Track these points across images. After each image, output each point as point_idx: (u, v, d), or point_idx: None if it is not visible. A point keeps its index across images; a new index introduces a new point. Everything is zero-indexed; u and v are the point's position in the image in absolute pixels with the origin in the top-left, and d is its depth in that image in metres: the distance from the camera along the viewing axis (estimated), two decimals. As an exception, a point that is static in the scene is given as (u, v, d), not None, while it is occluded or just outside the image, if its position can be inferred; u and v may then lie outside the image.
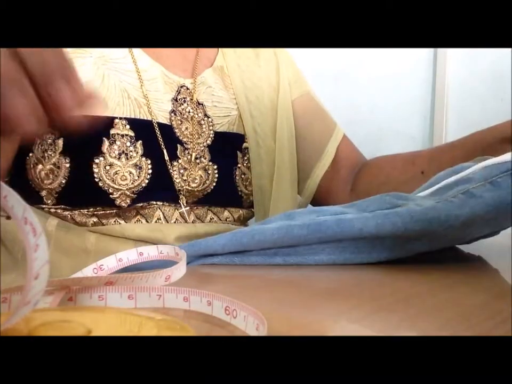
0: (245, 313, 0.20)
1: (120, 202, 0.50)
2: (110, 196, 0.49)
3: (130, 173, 0.50)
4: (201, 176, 0.55)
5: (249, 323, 0.19)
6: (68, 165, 0.49)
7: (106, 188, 0.49)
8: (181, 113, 0.56)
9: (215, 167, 0.56)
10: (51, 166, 0.50)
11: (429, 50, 1.63)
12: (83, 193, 0.51)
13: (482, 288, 0.31)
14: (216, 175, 0.57)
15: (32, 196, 0.51)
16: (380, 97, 1.27)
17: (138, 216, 0.52)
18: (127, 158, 0.50)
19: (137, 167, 0.50)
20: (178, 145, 0.54)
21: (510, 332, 0.21)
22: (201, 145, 0.56)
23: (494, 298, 0.28)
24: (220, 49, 0.65)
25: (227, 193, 0.59)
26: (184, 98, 0.57)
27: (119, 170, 0.49)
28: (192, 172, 0.54)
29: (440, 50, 1.60)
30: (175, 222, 0.54)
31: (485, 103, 1.52)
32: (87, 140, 0.51)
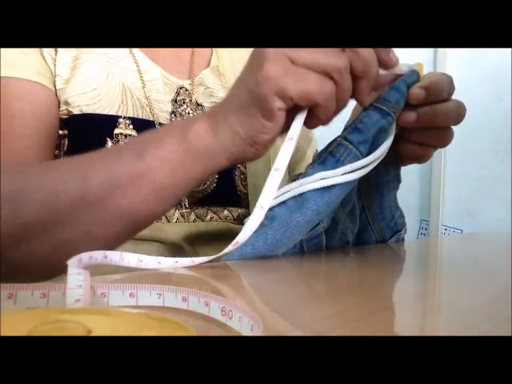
0: (240, 314, 0.20)
1: None
2: None
3: None
4: None
5: (244, 324, 0.19)
6: None
7: None
8: (181, 114, 0.56)
9: None
10: None
11: (429, 50, 1.63)
12: None
13: (482, 288, 0.31)
14: (216, 176, 0.57)
15: None
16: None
17: None
18: None
19: None
20: None
21: (510, 332, 0.21)
22: None
23: (493, 298, 0.28)
24: (214, 50, 0.65)
25: (226, 193, 0.59)
26: (183, 99, 0.58)
27: None
28: None
29: (440, 50, 1.60)
30: (176, 222, 0.55)
31: (485, 103, 1.52)
32: (91, 139, 0.51)
